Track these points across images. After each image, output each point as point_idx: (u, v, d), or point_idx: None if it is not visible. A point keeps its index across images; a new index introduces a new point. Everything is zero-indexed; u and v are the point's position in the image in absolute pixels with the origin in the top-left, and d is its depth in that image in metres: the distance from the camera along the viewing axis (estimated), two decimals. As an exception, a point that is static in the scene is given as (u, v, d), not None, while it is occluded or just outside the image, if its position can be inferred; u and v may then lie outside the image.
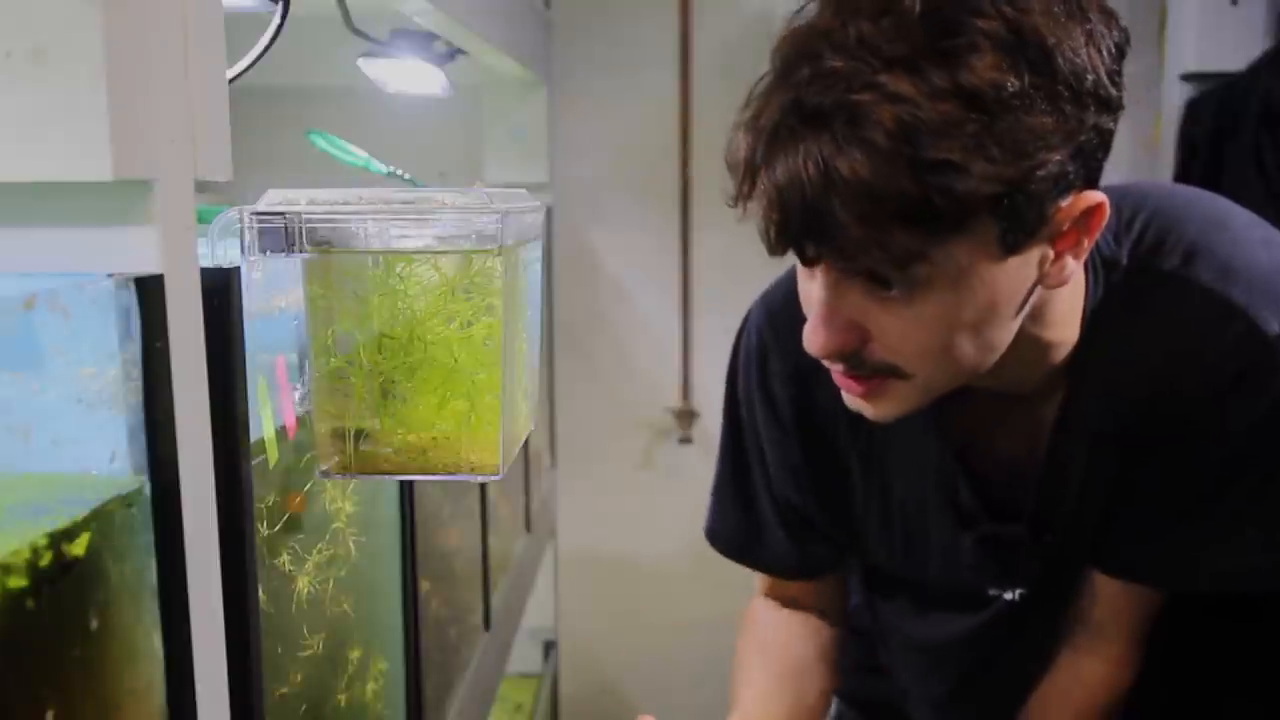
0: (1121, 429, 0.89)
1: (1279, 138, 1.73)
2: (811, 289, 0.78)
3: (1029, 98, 0.67)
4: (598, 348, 2.40)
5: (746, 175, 0.73)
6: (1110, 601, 0.97)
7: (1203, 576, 0.91)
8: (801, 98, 0.69)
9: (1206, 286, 0.84)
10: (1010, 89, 0.66)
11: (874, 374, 0.79)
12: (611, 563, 2.47)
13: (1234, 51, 1.92)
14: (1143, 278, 0.86)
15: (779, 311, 0.99)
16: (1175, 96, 2.03)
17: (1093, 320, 0.86)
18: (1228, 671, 1.07)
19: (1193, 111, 1.98)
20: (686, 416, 2.40)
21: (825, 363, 0.81)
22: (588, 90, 2.30)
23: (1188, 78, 2.02)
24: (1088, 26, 0.70)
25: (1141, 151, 2.18)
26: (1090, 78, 0.70)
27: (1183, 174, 1.98)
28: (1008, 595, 1.00)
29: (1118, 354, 0.87)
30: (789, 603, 1.14)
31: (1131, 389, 0.87)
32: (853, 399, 0.83)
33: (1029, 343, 0.84)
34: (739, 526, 1.09)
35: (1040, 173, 0.68)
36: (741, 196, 0.74)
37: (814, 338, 0.77)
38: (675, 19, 2.28)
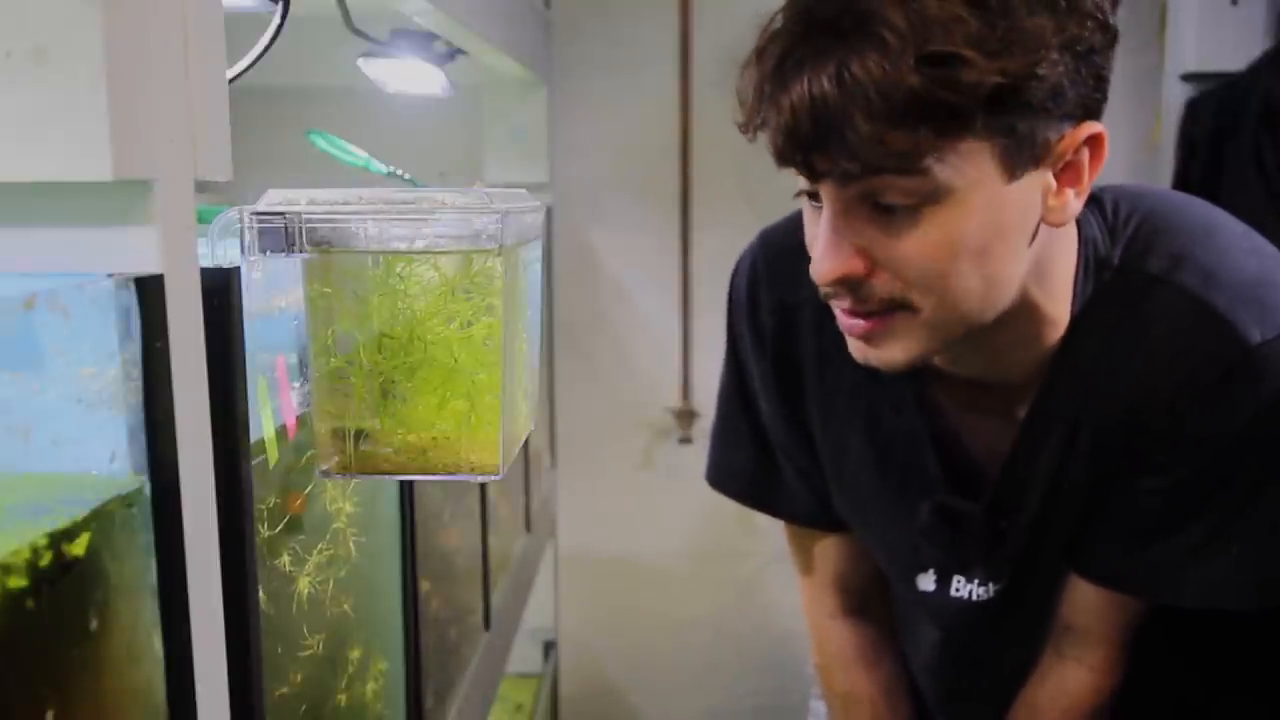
0: (1098, 429, 0.89)
1: (1279, 137, 1.73)
2: (817, 226, 0.79)
3: (1027, 2, 0.70)
4: (598, 348, 2.40)
5: (758, 96, 0.75)
6: (1094, 608, 0.97)
7: (1188, 592, 0.91)
8: (811, 9, 0.72)
9: (1190, 292, 0.84)
10: None
11: (881, 309, 0.79)
12: (611, 562, 2.47)
13: (1234, 51, 1.92)
14: (1129, 279, 0.86)
15: (775, 245, 1.01)
16: (1175, 96, 2.03)
17: (1080, 316, 0.87)
18: (1226, 670, 1.07)
19: (1193, 111, 1.98)
20: (686, 416, 2.40)
21: (832, 302, 0.81)
22: (588, 90, 2.30)
23: (1188, 78, 2.02)
24: None
25: (1142, 151, 2.18)
26: (1088, 1, 0.73)
27: (1183, 174, 1.98)
28: (976, 594, 0.99)
29: (1099, 353, 0.87)
30: (843, 607, 1.13)
31: (1110, 390, 0.87)
32: (860, 347, 0.82)
33: (1028, 312, 0.84)
34: (749, 468, 1.08)
35: (1040, 71, 0.71)
36: (751, 120, 0.76)
37: (820, 265, 0.78)
38: (675, 19, 2.28)
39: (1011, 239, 0.78)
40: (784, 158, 0.76)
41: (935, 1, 0.69)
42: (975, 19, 0.69)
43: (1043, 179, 0.77)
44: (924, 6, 0.69)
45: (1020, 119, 0.72)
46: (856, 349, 0.83)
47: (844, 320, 0.82)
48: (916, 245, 0.75)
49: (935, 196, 0.73)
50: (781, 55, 0.73)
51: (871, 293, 0.78)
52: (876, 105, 0.69)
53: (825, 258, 0.77)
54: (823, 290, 0.80)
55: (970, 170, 0.73)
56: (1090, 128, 0.76)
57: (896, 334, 0.80)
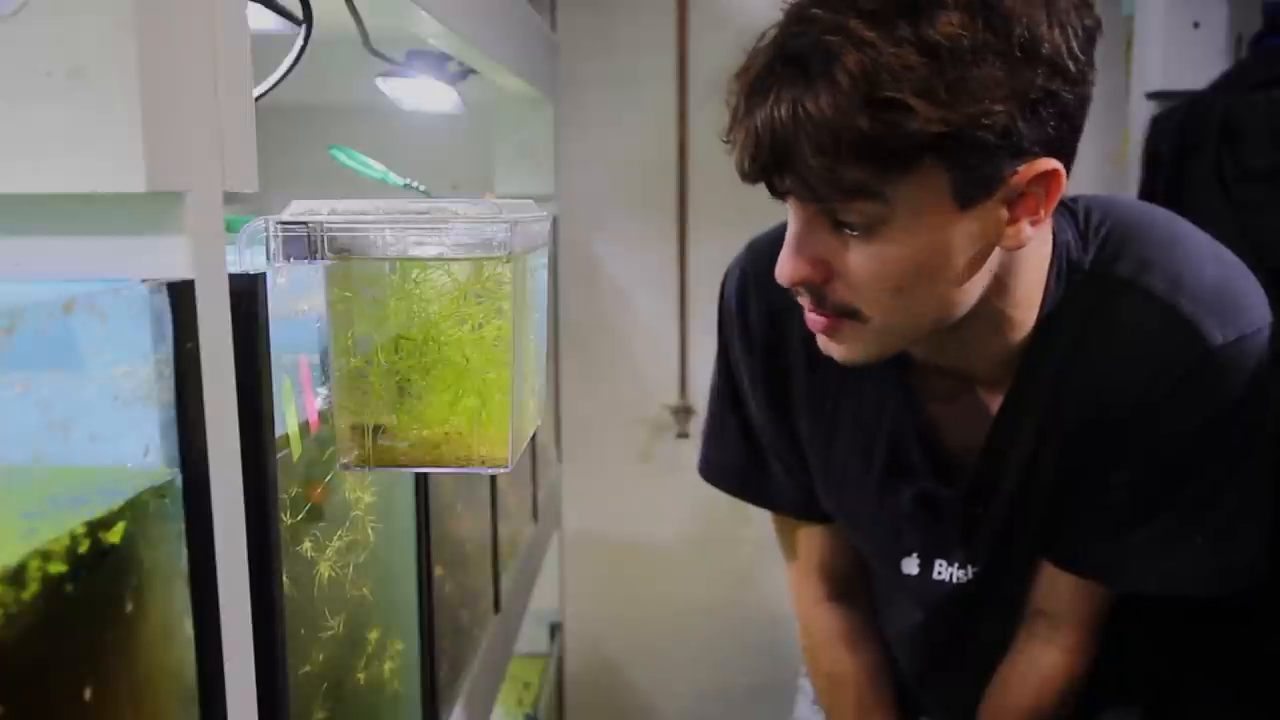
0: (1068, 424, 0.88)
1: (1238, 152, 1.73)
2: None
3: (980, 52, 0.69)
4: (600, 349, 2.39)
5: (733, 117, 0.77)
6: (1066, 593, 0.96)
7: (1154, 580, 0.91)
8: (783, 43, 0.73)
9: (1157, 295, 0.83)
10: (965, 43, 0.69)
11: (835, 313, 0.80)
12: (613, 549, 2.47)
13: (1196, 71, 1.91)
14: (1099, 282, 0.86)
15: (763, 253, 1.00)
16: (1141, 113, 2.03)
17: (1051, 315, 0.86)
18: (1190, 650, 1.06)
19: (1157, 128, 1.98)
20: (683, 413, 2.39)
21: (796, 296, 0.83)
22: (591, 108, 2.30)
23: (1153, 95, 2.01)
24: (1055, 6, 0.72)
25: (1110, 165, 2.18)
26: (1046, 47, 0.71)
27: (1148, 186, 1.98)
28: (957, 576, 0.99)
29: (1068, 351, 0.87)
30: (827, 593, 1.13)
31: (1079, 387, 0.87)
32: (822, 339, 0.84)
33: (991, 315, 0.84)
34: (739, 461, 1.08)
35: (985, 120, 0.70)
36: (730, 137, 0.78)
37: (782, 266, 0.80)
38: (673, 43, 2.28)
39: (961, 262, 0.77)
40: (746, 177, 0.77)
41: (891, 49, 0.68)
42: (925, 67, 0.68)
43: (996, 208, 0.76)
44: (879, 53, 0.68)
45: (969, 157, 0.71)
46: (820, 341, 0.85)
47: (808, 318, 0.83)
48: (867, 262, 0.76)
49: (887, 220, 0.74)
50: (754, 79, 0.74)
51: (826, 298, 0.80)
52: (827, 142, 0.70)
53: (785, 262, 0.80)
54: (786, 289, 0.82)
55: (921, 198, 0.73)
56: (1045, 164, 0.74)
57: (847, 336, 0.82)
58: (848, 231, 0.76)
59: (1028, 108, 0.71)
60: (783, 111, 0.71)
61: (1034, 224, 0.77)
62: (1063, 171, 0.76)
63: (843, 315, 0.80)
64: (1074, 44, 0.73)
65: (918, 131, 0.69)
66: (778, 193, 0.78)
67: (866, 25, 0.69)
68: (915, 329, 0.81)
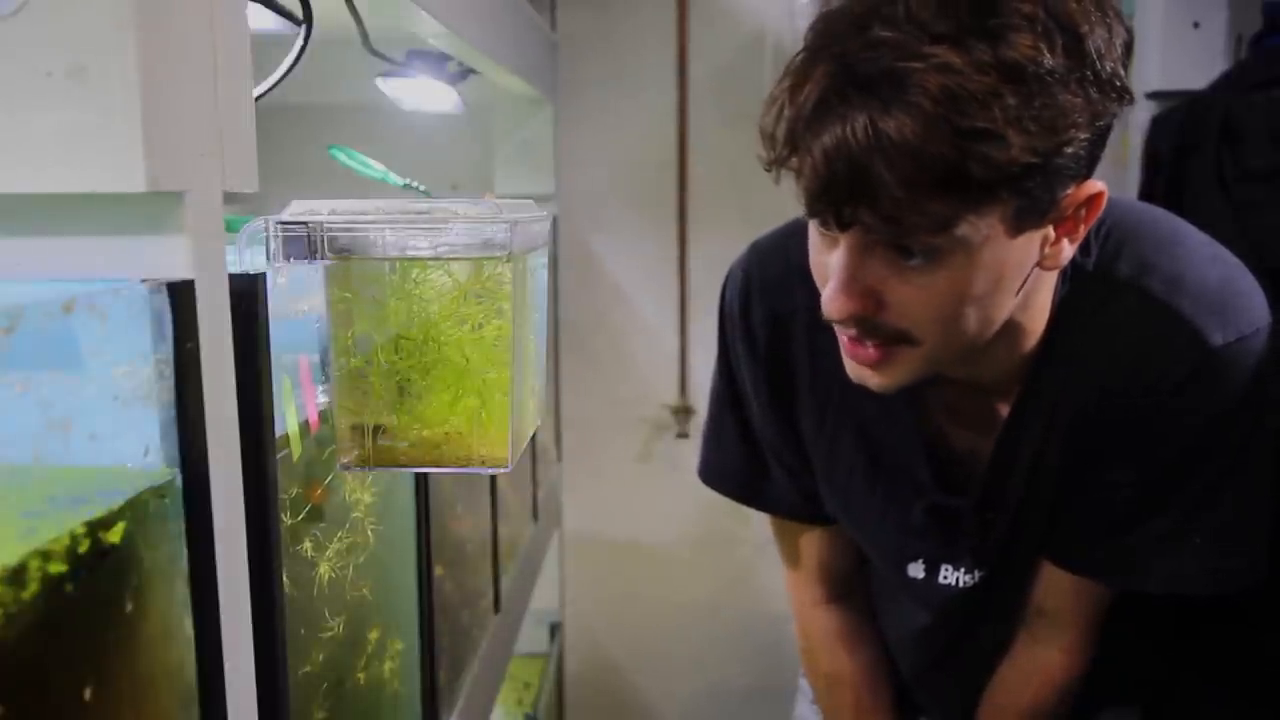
0: (1071, 425, 0.88)
1: (1238, 153, 1.73)
2: (830, 259, 0.76)
3: (1063, 76, 0.67)
4: (600, 348, 2.39)
5: (788, 140, 0.71)
6: (1065, 593, 0.97)
7: (1153, 580, 0.91)
8: (851, 65, 0.68)
9: (1156, 296, 0.83)
10: (1046, 66, 0.66)
11: (885, 341, 0.78)
12: (613, 549, 2.47)
13: (1195, 71, 1.91)
14: (1100, 284, 0.86)
15: (766, 257, 0.99)
16: (1141, 114, 2.03)
17: (1056, 319, 0.86)
18: (1185, 650, 1.06)
19: (1157, 128, 1.98)
20: (683, 413, 2.39)
21: (838, 329, 0.80)
22: (591, 108, 2.30)
23: (1153, 96, 2.01)
24: (1108, 21, 0.70)
25: (1111, 167, 2.18)
26: (1110, 66, 0.70)
27: (1148, 187, 1.98)
28: (963, 580, 0.99)
29: (1072, 355, 0.87)
30: (826, 595, 1.12)
31: (1081, 388, 0.87)
32: (857, 368, 0.81)
33: (1011, 327, 0.83)
34: (738, 465, 1.07)
35: (1067, 149, 0.68)
36: (778, 162, 0.73)
37: (833, 302, 0.76)
38: (673, 43, 2.28)
39: (1010, 285, 0.77)
40: (815, 209, 0.73)
41: (975, 74, 0.65)
42: (1012, 94, 0.65)
43: (1044, 231, 0.75)
44: (963, 77, 0.65)
45: (1038, 184, 0.70)
46: (853, 371, 0.82)
47: (850, 348, 0.80)
48: (926, 292, 0.74)
49: (950, 249, 0.72)
50: (816, 103, 0.69)
51: (878, 327, 0.77)
52: (910, 170, 0.66)
53: (838, 296, 0.75)
54: (832, 322, 0.79)
55: (984, 227, 0.71)
56: (1092, 186, 0.74)
57: (896, 363, 0.79)
58: (907, 260, 0.73)
59: (1095, 134, 0.70)
60: (858, 133, 0.66)
61: (1072, 242, 0.77)
62: (1105, 193, 0.75)
63: (895, 342, 0.78)
64: (1122, 58, 0.71)
65: (1008, 162, 0.66)
66: (843, 225, 0.73)
67: (945, 48, 0.65)
68: (958, 350, 0.80)
